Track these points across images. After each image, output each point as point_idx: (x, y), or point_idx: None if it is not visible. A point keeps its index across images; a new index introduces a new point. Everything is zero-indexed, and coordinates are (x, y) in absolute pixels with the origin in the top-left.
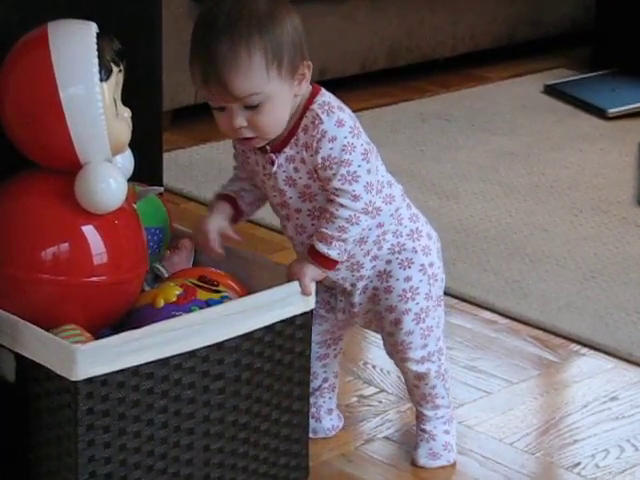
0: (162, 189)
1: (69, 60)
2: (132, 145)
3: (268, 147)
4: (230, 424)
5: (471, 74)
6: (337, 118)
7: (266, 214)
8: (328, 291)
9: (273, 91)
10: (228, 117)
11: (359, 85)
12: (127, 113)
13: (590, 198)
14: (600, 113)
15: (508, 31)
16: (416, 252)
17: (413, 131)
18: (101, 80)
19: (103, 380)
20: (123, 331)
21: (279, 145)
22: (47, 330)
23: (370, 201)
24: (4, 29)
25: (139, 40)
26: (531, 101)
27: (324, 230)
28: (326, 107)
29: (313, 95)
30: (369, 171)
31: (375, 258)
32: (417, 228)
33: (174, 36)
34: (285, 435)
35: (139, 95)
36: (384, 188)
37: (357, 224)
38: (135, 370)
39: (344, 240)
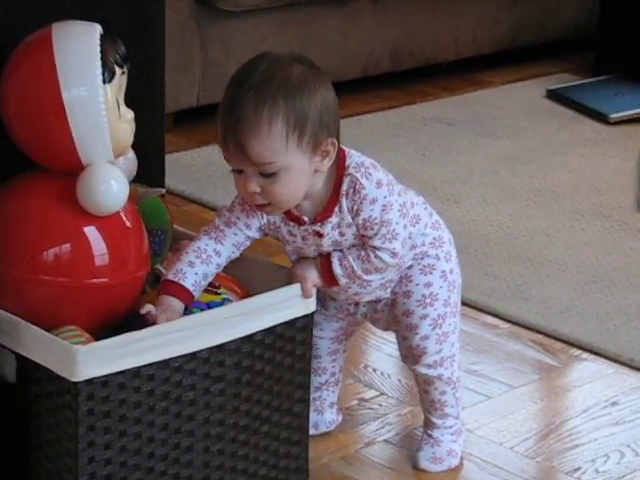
0: (164, 191)
1: (72, 61)
2: (134, 146)
3: (306, 218)
4: (230, 426)
5: (473, 78)
6: (376, 179)
7: None
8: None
9: (290, 162)
10: (244, 180)
11: (361, 88)
12: (130, 115)
13: (592, 203)
14: (602, 118)
15: (511, 35)
16: (438, 259)
17: (415, 135)
18: (104, 82)
19: (104, 381)
20: (125, 333)
21: (322, 216)
22: (47, 331)
23: (403, 255)
24: (8, 30)
25: (142, 42)
26: (533, 106)
27: (350, 261)
28: (363, 169)
29: (341, 159)
30: (405, 226)
31: (399, 267)
32: (439, 235)
33: (177, 38)
34: (285, 437)
35: (141, 97)
36: (409, 210)
37: (381, 274)
38: (136, 371)
39: (358, 278)
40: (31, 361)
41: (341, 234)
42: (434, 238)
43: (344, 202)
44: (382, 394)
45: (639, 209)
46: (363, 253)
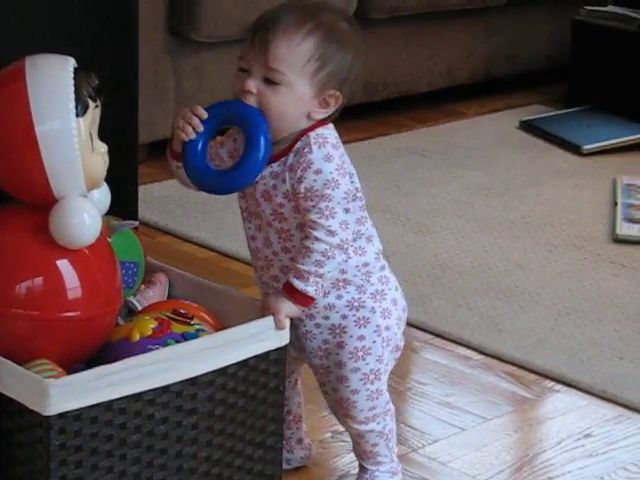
0: (137, 223)
1: (45, 95)
2: (107, 178)
3: None
4: (203, 460)
5: (447, 109)
6: (327, 152)
7: (240, 247)
8: None
9: (296, 85)
10: (245, 78)
11: (335, 119)
12: (103, 148)
13: (565, 234)
14: (575, 149)
15: (484, 67)
16: (374, 312)
17: (389, 166)
18: (77, 115)
19: (76, 415)
20: (98, 366)
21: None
22: (19, 365)
23: (346, 239)
24: None
25: (116, 73)
26: (507, 137)
27: (300, 266)
28: (320, 139)
29: (318, 125)
30: (347, 210)
31: (331, 308)
32: (382, 290)
33: (151, 69)
34: (258, 471)
35: (115, 128)
36: (359, 240)
37: (333, 258)
38: (108, 405)
39: (321, 276)
40: (3, 395)
41: (274, 186)
42: (376, 290)
43: (291, 157)
44: None
45: (614, 240)
46: (303, 250)
